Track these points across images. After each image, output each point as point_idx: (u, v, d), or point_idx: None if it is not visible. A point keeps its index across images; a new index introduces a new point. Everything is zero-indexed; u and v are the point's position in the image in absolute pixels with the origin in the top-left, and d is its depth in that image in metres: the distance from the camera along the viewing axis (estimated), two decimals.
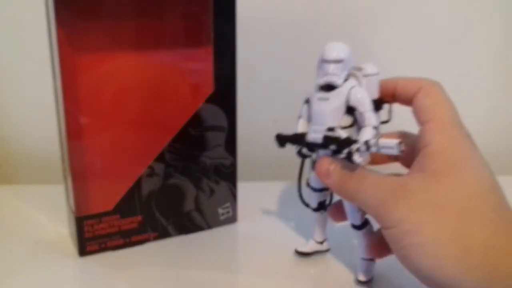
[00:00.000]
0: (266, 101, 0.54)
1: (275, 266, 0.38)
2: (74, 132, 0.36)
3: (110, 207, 0.38)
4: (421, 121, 0.31)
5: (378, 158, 0.36)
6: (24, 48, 0.54)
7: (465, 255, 0.26)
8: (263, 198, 0.49)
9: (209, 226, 0.43)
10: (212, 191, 0.42)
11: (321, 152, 0.33)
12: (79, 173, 0.37)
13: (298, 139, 0.33)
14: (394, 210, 0.28)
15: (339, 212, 0.36)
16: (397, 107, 0.34)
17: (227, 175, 0.43)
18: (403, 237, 0.28)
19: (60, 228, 0.42)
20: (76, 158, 0.36)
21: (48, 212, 0.45)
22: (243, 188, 0.45)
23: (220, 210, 0.43)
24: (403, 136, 0.35)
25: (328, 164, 0.32)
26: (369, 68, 0.32)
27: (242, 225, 0.44)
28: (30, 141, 0.57)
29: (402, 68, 0.58)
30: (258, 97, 0.56)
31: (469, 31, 0.58)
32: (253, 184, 0.50)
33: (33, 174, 0.58)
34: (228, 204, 0.43)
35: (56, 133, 0.39)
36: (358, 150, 0.29)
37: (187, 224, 0.42)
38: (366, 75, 0.32)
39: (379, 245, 0.33)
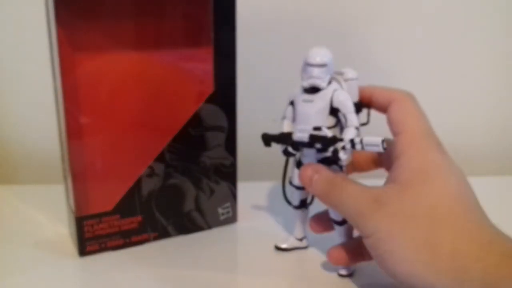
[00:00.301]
0: (266, 101, 0.54)
1: (275, 266, 0.38)
2: (74, 132, 0.36)
3: (110, 207, 0.38)
4: (393, 133, 0.33)
5: (363, 165, 0.38)
6: (24, 48, 0.54)
7: (434, 260, 0.27)
8: (263, 198, 0.49)
9: (209, 226, 0.43)
10: (212, 191, 0.42)
11: (306, 150, 0.34)
12: (79, 173, 0.37)
13: (284, 138, 0.34)
14: (369, 220, 0.30)
15: (319, 225, 0.38)
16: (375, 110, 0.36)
17: (227, 175, 0.43)
18: (378, 245, 0.30)
19: (60, 228, 0.42)
20: (76, 158, 0.36)
21: (48, 212, 0.45)
22: (243, 188, 0.45)
23: (220, 210, 0.43)
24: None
25: (311, 172, 0.34)
26: (350, 73, 0.34)
27: (242, 225, 0.44)
28: (30, 141, 0.57)
29: (402, 68, 0.58)
30: (258, 97, 0.56)
31: (469, 31, 0.58)
32: (253, 184, 0.50)
33: (33, 174, 0.58)
34: (228, 204, 0.43)
35: (56, 133, 0.39)
36: (343, 148, 0.32)
37: (187, 224, 0.42)
38: (346, 80, 0.34)
39: (351, 253, 0.35)
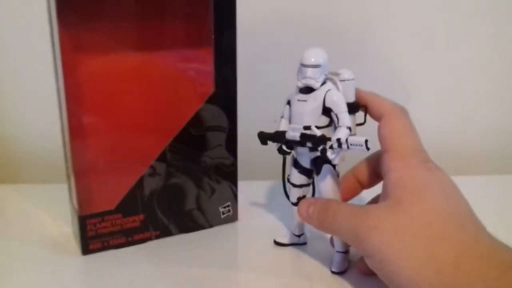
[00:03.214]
0: (266, 101, 0.54)
1: (275, 263, 0.38)
2: (76, 131, 0.36)
3: (112, 206, 0.39)
4: (382, 150, 0.34)
5: (369, 180, 0.38)
6: (26, 48, 0.54)
7: (438, 278, 0.27)
8: (263, 197, 0.50)
9: (210, 225, 0.43)
10: (213, 190, 0.43)
11: (300, 149, 0.35)
12: (82, 172, 0.37)
13: (278, 136, 0.35)
14: (366, 241, 0.30)
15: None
16: None
17: (228, 174, 0.43)
18: (381, 267, 0.30)
19: (63, 227, 0.43)
20: (78, 157, 0.37)
21: (52, 211, 0.45)
22: (243, 187, 0.45)
23: (221, 209, 0.44)
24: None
25: (307, 207, 0.35)
26: (346, 74, 0.35)
27: (242, 224, 0.44)
28: (33, 141, 0.58)
29: (402, 68, 0.58)
30: (258, 97, 0.56)
31: (469, 31, 0.58)
32: (253, 183, 0.51)
33: (36, 174, 0.59)
34: (228, 203, 0.44)
35: (59, 133, 0.39)
36: (331, 147, 0.32)
37: (188, 223, 0.42)
38: (342, 80, 0.35)
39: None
